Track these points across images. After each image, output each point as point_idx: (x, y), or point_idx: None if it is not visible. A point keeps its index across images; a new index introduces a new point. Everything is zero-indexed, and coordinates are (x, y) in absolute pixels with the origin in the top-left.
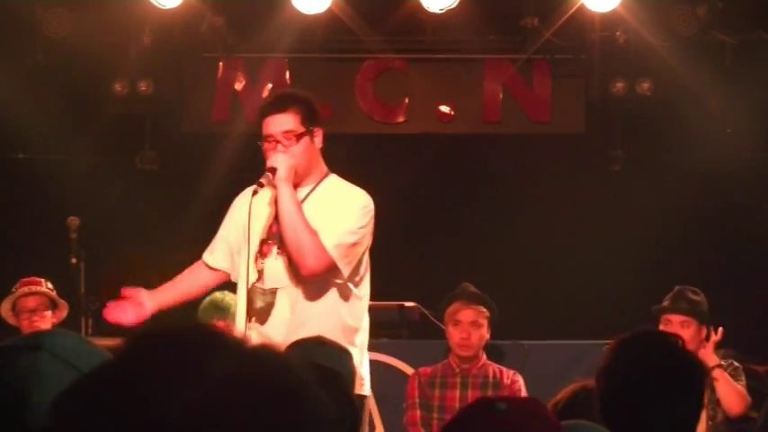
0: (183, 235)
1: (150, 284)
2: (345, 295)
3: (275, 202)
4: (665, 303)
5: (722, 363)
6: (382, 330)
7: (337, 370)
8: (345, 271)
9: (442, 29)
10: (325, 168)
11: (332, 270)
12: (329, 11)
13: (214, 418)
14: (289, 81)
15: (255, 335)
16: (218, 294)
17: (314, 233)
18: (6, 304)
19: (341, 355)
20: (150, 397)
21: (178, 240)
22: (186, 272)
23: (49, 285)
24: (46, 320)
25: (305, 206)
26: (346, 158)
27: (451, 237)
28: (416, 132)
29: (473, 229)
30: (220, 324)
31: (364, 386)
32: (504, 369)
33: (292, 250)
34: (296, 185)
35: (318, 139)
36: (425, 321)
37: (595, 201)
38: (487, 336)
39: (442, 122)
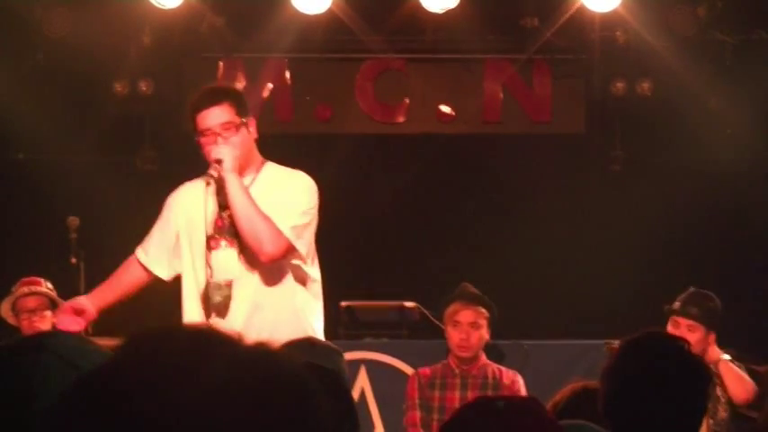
0: None
1: (150, 284)
2: (301, 278)
3: (216, 194)
4: (676, 305)
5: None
6: (382, 330)
7: (336, 369)
8: (303, 250)
9: (442, 29)
10: (260, 157)
11: (290, 252)
12: (329, 11)
13: (212, 418)
14: (289, 81)
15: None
16: None
17: (268, 219)
18: (6, 304)
19: (333, 356)
20: (146, 397)
21: None
22: (121, 269)
23: (49, 285)
24: (46, 320)
25: (252, 194)
26: (346, 158)
27: (451, 237)
28: (416, 132)
29: (473, 229)
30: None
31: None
32: (504, 369)
33: (249, 238)
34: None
35: (253, 129)
36: (425, 321)
37: (595, 201)
38: (487, 336)
39: (442, 122)
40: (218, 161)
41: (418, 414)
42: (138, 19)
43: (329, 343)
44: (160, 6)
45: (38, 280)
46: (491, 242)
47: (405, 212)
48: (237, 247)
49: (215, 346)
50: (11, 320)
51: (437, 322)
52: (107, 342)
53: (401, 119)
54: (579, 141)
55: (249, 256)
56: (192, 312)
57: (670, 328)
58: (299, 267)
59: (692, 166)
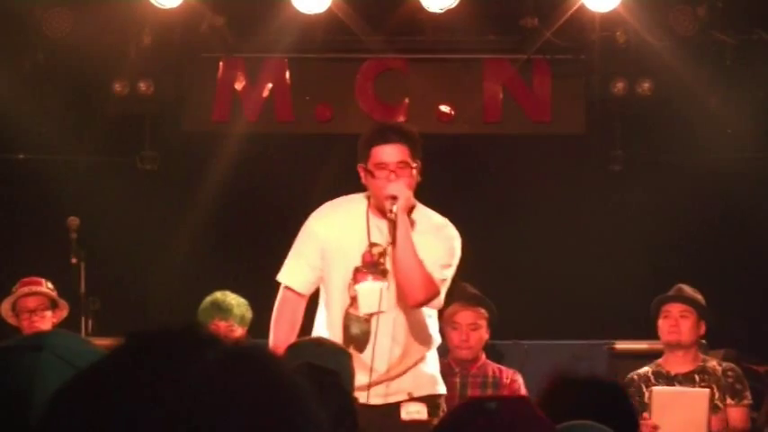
0: (183, 235)
1: (150, 285)
2: (431, 313)
3: (368, 227)
4: (668, 293)
5: (728, 373)
6: None
7: (335, 369)
8: (443, 301)
9: (442, 29)
10: (413, 199)
11: (435, 299)
12: (329, 11)
13: (197, 418)
14: (289, 81)
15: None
16: (218, 294)
17: (423, 266)
18: (6, 304)
19: (339, 356)
20: (132, 397)
21: (178, 240)
22: (282, 311)
23: (49, 285)
24: (46, 320)
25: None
26: (346, 158)
27: None
28: None
29: (473, 229)
30: (222, 324)
31: (439, 385)
32: (503, 368)
33: (405, 281)
34: None
35: (418, 173)
36: None
37: (595, 201)
38: (486, 336)
39: (442, 122)
40: (394, 197)
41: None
42: (138, 19)
43: (336, 343)
44: (160, 6)
45: (38, 280)
46: (491, 242)
47: None
48: (384, 283)
49: (204, 347)
50: (11, 320)
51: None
52: (107, 342)
53: (401, 119)
54: (579, 141)
55: (392, 294)
56: (331, 338)
57: (661, 321)
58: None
59: (692, 166)
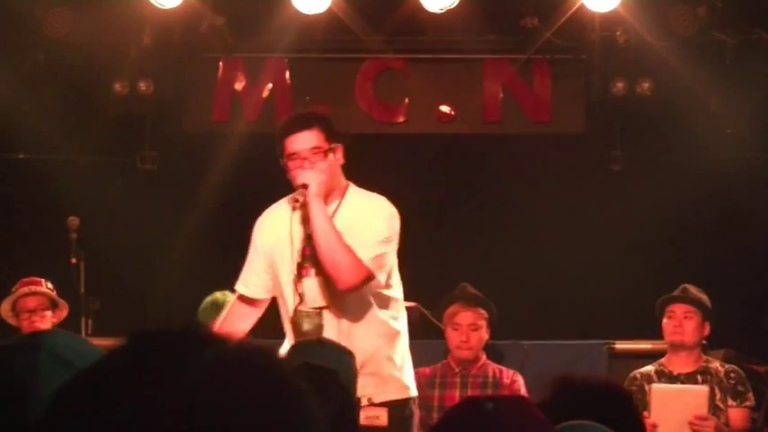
0: (184, 235)
1: (150, 285)
2: (385, 303)
3: (303, 222)
4: (672, 294)
5: (731, 373)
6: None
7: (336, 370)
8: (382, 279)
9: (442, 29)
10: (345, 181)
11: (368, 281)
12: (329, 11)
13: (194, 418)
14: (289, 81)
15: None
16: (218, 294)
17: (348, 248)
18: (6, 304)
19: (341, 356)
20: (132, 398)
21: (178, 240)
22: (231, 316)
23: (49, 285)
24: (46, 320)
25: (336, 221)
26: (346, 158)
27: (451, 236)
28: (416, 132)
29: (473, 229)
30: None
31: (409, 389)
32: (503, 369)
33: (328, 267)
34: (324, 201)
35: (340, 155)
36: (425, 321)
37: (595, 201)
38: (486, 336)
39: (442, 122)
40: (305, 186)
41: (418, 414)
42: (138, 19)
43: (338, 343)
44: (160, 6)
45: (38, 280)
46: (491, 242)
47: (404, 212)
48: (323, 275)
49: (205, 347)
50: (11, 320)
51: (437, 322)
52: (107, 342)
53: (401, 119)
54: (579, 141)
55: (333, 283)
56: (288, 337)
57: (665, 321)
58: (380, 293)
59: (692, 166)
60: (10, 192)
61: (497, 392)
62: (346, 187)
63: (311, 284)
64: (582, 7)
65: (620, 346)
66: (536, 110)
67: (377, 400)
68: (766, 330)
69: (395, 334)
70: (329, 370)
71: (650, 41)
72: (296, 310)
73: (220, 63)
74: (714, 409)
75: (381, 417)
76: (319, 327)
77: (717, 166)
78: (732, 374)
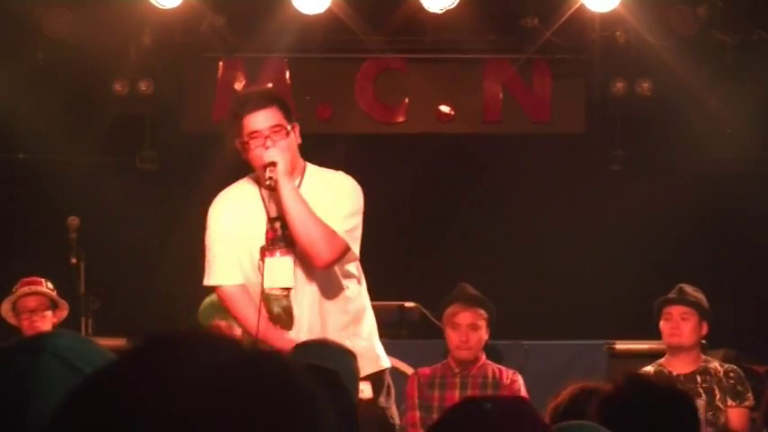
0: (183, 235)
1: (150, 285)
2: (349, 275)
3: (266, 202)
4: (668, 296)
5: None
6: (382, 330)
7: (337, 370)
8: (357, 251)
9: (442, 29)
10: (302, 161)
11: (345, 254)
12: (329, 11)
13: (205, 424)
14: (289, 81)
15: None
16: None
17: (323, 222)
18: (6, 304)
19: (343, 357)
20: (141, 403)
21: (178, 240)
22: (247, 306)
23: (49, 285)
24: (46, 320)
25: None
26: (346, 158)
27: (451, 237)
28: (416, 132)
29: (473, 229)
30: (222, 324)
31: (381, 360)
32: (503, 369)
33: (305, 243)
34: None
35: (298, 134)
36: (425, 321)
37: (595, 201)
38: (486, 337)
39: (442, 122)
40: (273, 164)
41: (418, 414)
42: (138, 19)
43: (342, 344)
44: (160, 6)
45: (38, 280)
46: (491, 242)
47: (404, 212)
48: (293, 255)
49: (218, 351)
50: (11, 320)
51: (437, 322)
52: (107, 342)
53: (401, 119)
54: (579, 141)
55: (304, 264)
56: (252, 322)
57: (663, 323)
58: (349, 271)
59: (692, 166)
60: (10, 192)
61: (497, 393)
62: (304, 167)
63: (276, 265)
64: (582, 7)
65: (620, 346)
66: (536, 110)
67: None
68: (766, 330)
69: (361, 308)
70: (330, 370)
71: (650, 41)
72: (263, 293)
73: (220, 63)
74: (714, 409)
75: (365, 390)
76: (289, 309)
77: (716, 166)
78: (731, 374)
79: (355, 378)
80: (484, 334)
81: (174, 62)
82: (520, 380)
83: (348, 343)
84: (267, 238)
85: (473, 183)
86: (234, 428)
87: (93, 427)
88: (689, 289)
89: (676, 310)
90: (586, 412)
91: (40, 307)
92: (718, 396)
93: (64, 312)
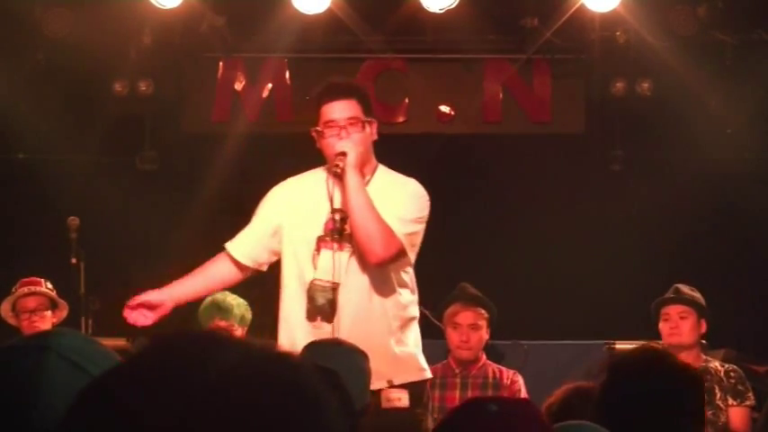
0: (184, 235)
1: (150, 285)
2: (402, 283)
3: (331, 194)
4: (665, 296)
5: (731, 372)
6: None
7: (338, 371)
8: (413, 257)
9: (442, 29)
10: (375, 161)
11: (400, 257)
12: (329, 11)
13: (215, 426)
14: (289, 81)
15: (319, 333)
16: (218, 295)
17: (382, 220)
18: (6, 304)
19: (354, 356)
20: (151, 404)
21: (178, 240)
22: (209, 264)
23: (49, 285)
24: (46, 320)
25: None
26: None
27: (451, 237)
28: (416, 132)
29: (473, 229)
30: (222, 324)
31: (424, 371)
32: (503, 369)
33: (362, 237)
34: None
35: (374, 131)
36: (425, 321)
37: (595, 201)
38: (486, 337)
39: (442, 122)
40: (343, 154)
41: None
42: (138, 19)
43: (353, 344)
44: (160, 6)
45: (38, 280)
46: (491, 242)
47: None
48: (348, 250)
49: (224, 351)
50: (11, 321)
51: (437, 322)
52: (108, 342)
53: (401, 119)
54: (579, 141)
55: (359, 260)
56: (294, 313)
57: (662, 324)
58: (404, 279)
59: (692, 166)
60: (10, 192)
61: (497, 393)
62: (376, 166)
63: (330, 259)
64: (582, 7)
65: (621, 346)
66: (536, 110)
67: (396, 382)
68: (766, 330)
69: (411, 317)
70: (331, 371)
71: (650, 41)
72: (312, 284)
73: (220, 63)
74: (715, 409)
75: (403, 398)
76: (333, 302)
77: (716, 167)
78: (732, 374)
79: (365, 378)
80: (484, 334)
81: (174, 62)
82: (520, 380)
83: (395, 349)
84: (326, 228)
85: (473, 183)
86: (240, 430)
87: (103, 430)
88: (685, 288)
89: (674, 310)
90: (580, 412)
91: (39, 307)
92: (718, 396)
93: (64, 312)
